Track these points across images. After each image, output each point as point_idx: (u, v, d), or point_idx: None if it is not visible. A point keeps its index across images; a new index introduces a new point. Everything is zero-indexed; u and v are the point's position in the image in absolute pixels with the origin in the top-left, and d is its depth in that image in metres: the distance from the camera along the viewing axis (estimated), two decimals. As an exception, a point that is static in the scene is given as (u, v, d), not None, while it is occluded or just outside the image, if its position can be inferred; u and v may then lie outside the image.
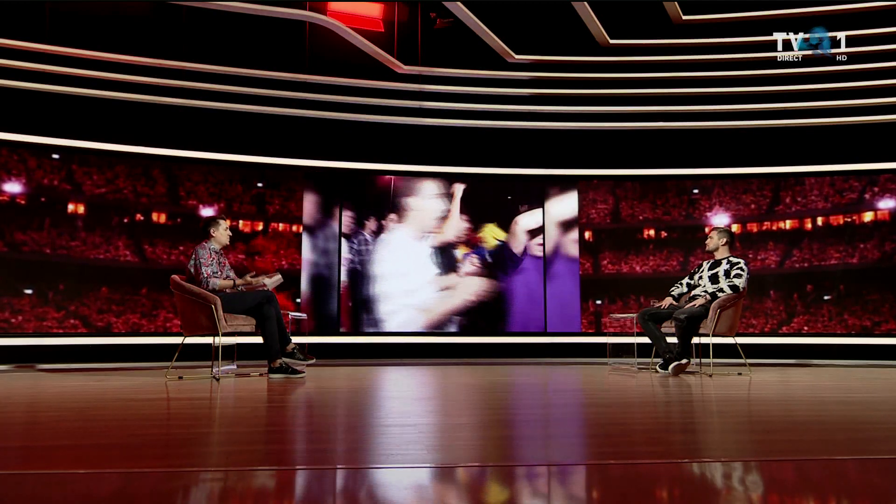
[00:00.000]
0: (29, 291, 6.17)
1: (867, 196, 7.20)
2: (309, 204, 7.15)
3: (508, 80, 7.47)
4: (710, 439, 2.49)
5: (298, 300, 7.00)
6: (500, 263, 7.46)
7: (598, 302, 7.41)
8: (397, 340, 7.17)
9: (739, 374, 5.10)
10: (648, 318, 5.19)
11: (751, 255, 7.25)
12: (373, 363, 6.54)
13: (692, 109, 7.41)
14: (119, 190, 6.57)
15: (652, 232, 7.51)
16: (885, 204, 7.16)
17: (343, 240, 7.18)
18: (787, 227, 7.35)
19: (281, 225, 7.06)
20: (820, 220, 7.28)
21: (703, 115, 7.43)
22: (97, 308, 6.38)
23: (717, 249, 5.29)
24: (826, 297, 7.15)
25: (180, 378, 4.55)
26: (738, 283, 5.07)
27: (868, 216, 7.19)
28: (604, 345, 6.65)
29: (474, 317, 7.36)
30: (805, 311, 7.17)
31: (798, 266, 7.25)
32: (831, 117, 7.24)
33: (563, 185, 7.57)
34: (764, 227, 7.39)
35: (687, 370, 5.08)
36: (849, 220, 7.22)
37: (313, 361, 4.91)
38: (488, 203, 7.54)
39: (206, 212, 6.73)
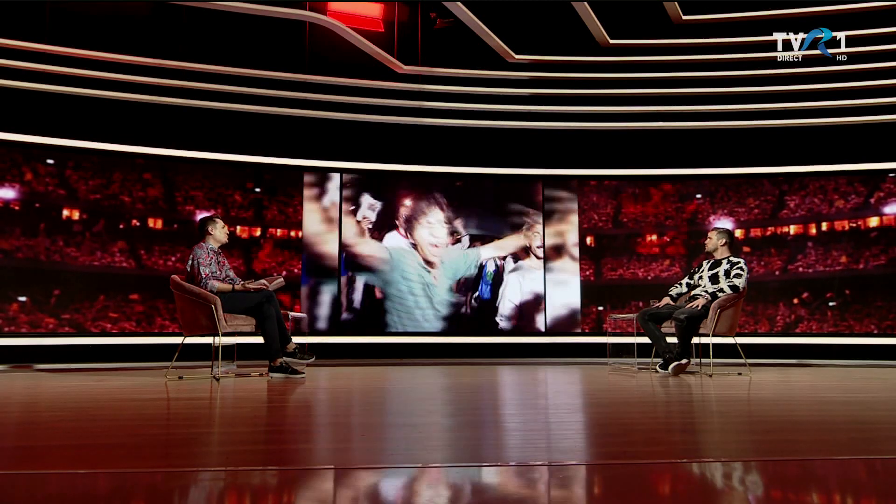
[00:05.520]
0: (23, 299, 6.14)
1: (872, 200, 7.17)
2: (309, 204, 7.13)
3: (508, 80, 7.47)
4: (710, 439, 2.49)
5: (297, 305, 6.99)
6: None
7: (601, 308, 7.39)
8: (398, 341, 7.16)
9: (739, 374, 5.10)
10: (648, 319, 5.19)
11: (754, 261, 7.22)
12: (373, 363, 6.54)
13: (692, 109, 7.41)
14: (115, 195, 6.53)
15: (654, 237, 7.48)
16: (892, 209, 7.12)
17: (342, 239, 7.17)
18: (791, 232, 7.32)
19: (279, 231, 7.05)
20: (825, 225, 7.24)
21: (703, 115, 7.42)
22: (92, 316, 6.33)
23: (716, 250, 5.29)
24: (831, 304, 7.11)
25: (180, 378, 4.55)
26: (738, 283, 5.07)
27: (874, 221, 7.15)
28: (604, 345, 6.65)
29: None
30: (810, 317, 7.13)
31: (802, 272, 7.21)
32: (832, 117, 7.23)
33: (563, 184, 7.56)
34: (768, 233, 7.36)
35: (687, 370, 5.08)
36: (854, 224, 7.18)
37: (313, 359, 4.91)
38: (485, 203, 7.53)
39: (203, 216, 6.71)
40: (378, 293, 7.23)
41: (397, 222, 7.32)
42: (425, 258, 7.34)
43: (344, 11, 7.24)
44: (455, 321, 7.32)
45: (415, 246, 7.34)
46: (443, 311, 7.30)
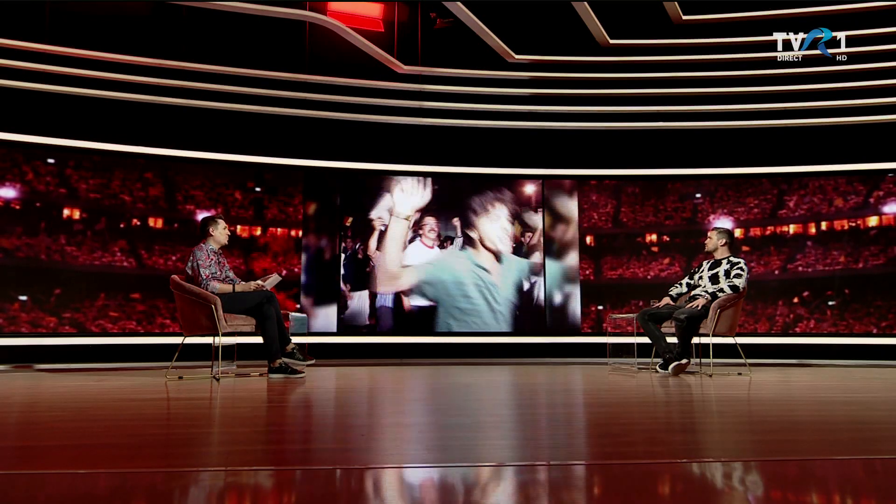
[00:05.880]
0: (24, 298, 6.14)
1: (871, 200, 7.17)
2: (308, 204, 7.14)
3: (508, 80, 7.47)
4: (710, 439, 2.49)
5: (298, 305, 6.99)
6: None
7: (601, 307, 7.40)
8: (398, 340, 7.16)
9: (739, 374, 5.10)
10: (648, 319, 5.19)
11: (754, 261, 7.22)
12: (373, 363, 6.54)
13: (692, 109, 7.41)
14: (115, 195, 6.53)
15: (654, 237, 7.49)
16: (891, 208, 7.12)
17: (343, 240, 7.17)
18: (791, 231, 7.32)
19: (279, 230, 7.05)
20: (824, 225, 7.24)
21: (703, 115, 7.42)
22: (92, 315, 6.34)
23: (716, 250, 5.29)
24: (831, 304, 7.11)
25: (180, 378, 4.55)
26: (738, 283, 5.07)
27: (873, 220, 7.15)
28: (604, 345, 6.65)
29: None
30: (810, 316, 7.13)
31: (802, 271, 7.21)
32: (832, 117, 7.24)
33: (563, 184, 7.56)
34: (767, 232, 7.36)
35: (687, 370, 5.08)
36: (853, 224, 7.18)
37: (313, 362, 4.91)
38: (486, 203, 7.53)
39: (205, 215, 6.70)
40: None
41: (420, 232, 7.32)
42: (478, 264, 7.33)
43: (344, 11, 7.24)
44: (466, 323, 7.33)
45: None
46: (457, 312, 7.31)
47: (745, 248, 7.26)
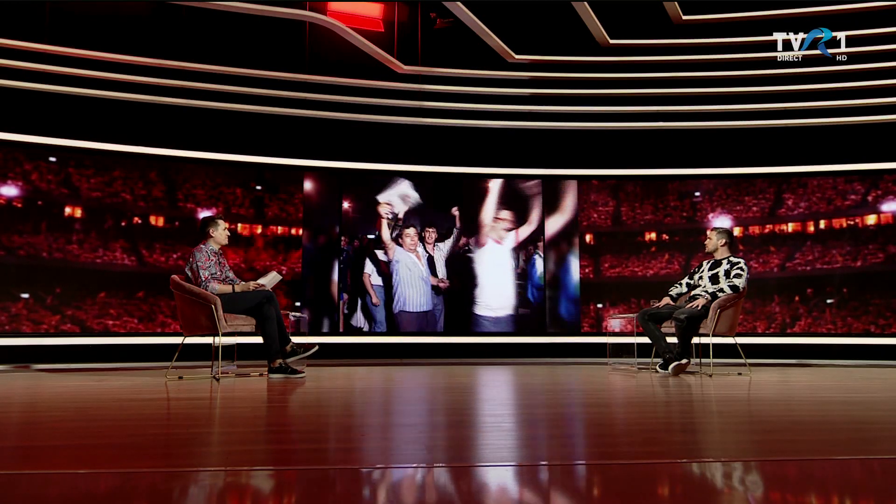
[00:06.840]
0: (25, 295, 6.15)
1: (870, 198, 7.18)
2: (308, 204, 7.14)
3: (508, 80, 7.47)
4: (710, 439, 2.49)
5: (298, 304, 7.00)
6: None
7: (600, 305, 7.40)
8: (399, 340, 7.17)
9: (739, 374, 5.10)
10: (648, 319, 5.19)
11: (752, 259, 7.23)
12: (374, 363, 6.54)
13: (692, 109, 7.41)
14: (116, 193, 6.54)
15: (653, 235, 7.49)
16: (889, 206, 7.13)
17: (344, 239, 7.18)
18: (790, 229, 7.33)
19: (279, 228, 7.05)
20: (823, 223, 7.25)
21: (703, 115, 7.42)
22: (94, 313, 6.34)
23: (716, 250, 5.29)
24: (829, 301, 7.12)
25: (180, 378, 4.55)
26: (738, 283, 5.07)
27: (871, 219, 7.16)
28: (604, 345, 6.65)
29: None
30: (808, 315, 7.14)
31: (801, 269, 7.22)
32: (832, 117, 7.24)
33: (563, 183, 7.56)
34: (766, 230, 7.37)
35: (687, 370, 5.08)
36: (852, 222, 7.19)
37: (316, 349, 4.84)
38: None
39: (205, 214, 6.71)
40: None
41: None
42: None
43: (344, 11, 7.24)
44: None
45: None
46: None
47: (741, 248, 7.26)
